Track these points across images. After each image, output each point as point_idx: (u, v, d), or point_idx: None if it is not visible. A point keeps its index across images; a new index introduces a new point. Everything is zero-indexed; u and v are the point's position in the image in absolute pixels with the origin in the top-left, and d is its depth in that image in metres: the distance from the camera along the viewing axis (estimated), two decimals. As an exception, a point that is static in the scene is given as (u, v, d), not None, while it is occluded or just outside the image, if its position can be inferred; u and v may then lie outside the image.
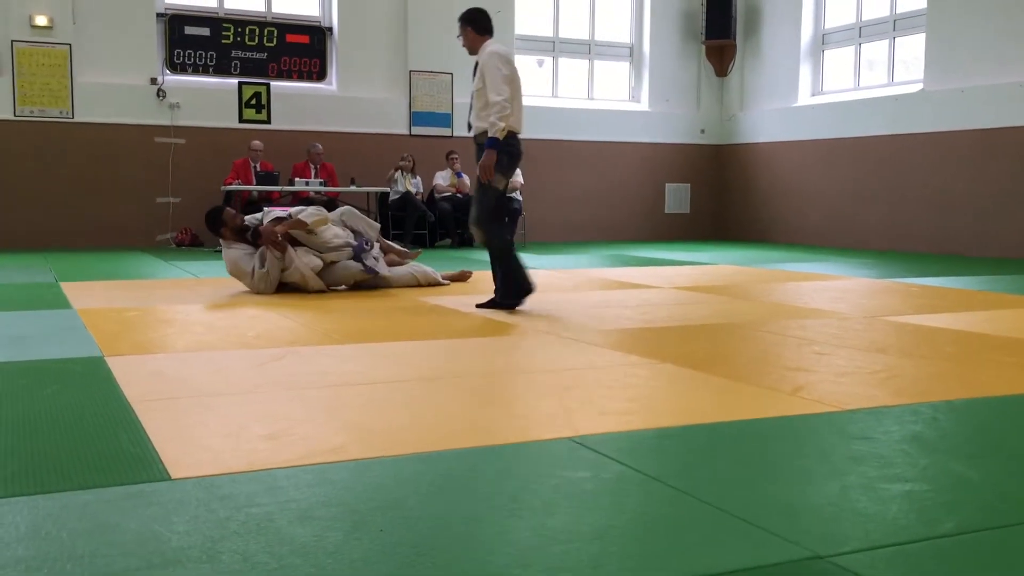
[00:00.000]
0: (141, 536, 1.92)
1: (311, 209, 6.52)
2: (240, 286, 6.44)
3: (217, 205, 7.06)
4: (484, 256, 10.13)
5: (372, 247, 6.65)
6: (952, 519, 2.06)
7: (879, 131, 11.71)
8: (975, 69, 10.54)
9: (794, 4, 12.98)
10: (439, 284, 6.88)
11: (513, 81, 5.59)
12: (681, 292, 6.66)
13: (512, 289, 5.59)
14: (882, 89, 12.01)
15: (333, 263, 6.40)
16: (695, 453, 2.62)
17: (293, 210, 6.52)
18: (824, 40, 12.93)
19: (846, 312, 5.54)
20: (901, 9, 11.87)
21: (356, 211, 6.88)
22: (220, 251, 10.30)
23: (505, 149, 5.55)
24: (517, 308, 5.56)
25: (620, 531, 2.00)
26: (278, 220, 6.29)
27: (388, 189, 11.55)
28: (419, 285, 6.80)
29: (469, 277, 7.27)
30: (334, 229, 6.50)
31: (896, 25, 11.92)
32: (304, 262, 6.23)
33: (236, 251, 6.31)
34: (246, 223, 6.34)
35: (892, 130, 11.56)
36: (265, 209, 6.58)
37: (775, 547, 1.89)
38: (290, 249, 6.23)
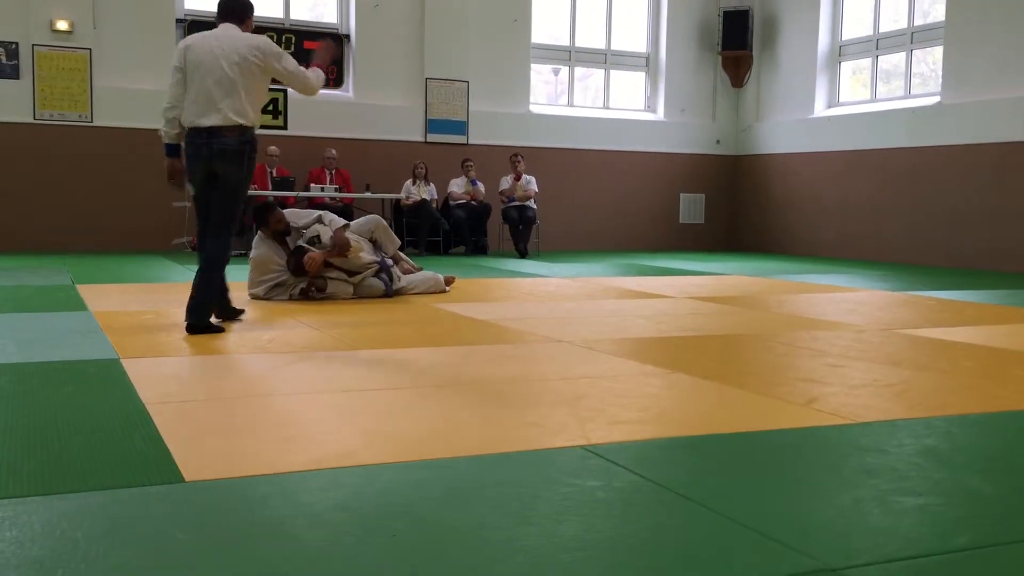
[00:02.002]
0: (155, 538, 1.93)
1: (355, 229, 6.58)
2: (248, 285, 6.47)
3: (270, 201, 7.14)
4: (496, 263, 10.20)
5: (391, 264, 6.71)
6: (966, 534, 2.05)
7: (896, 144, 11.67)
8: (993, 82, 10.49)
9: (811, 15, 12.97)
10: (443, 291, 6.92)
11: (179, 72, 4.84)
12: (695, 302, 6.65)
13: (207, 307, 4.84)
14: (899, 101, 11.97)
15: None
16: (708, 463, 2.62)
17: (351, 225, 6.61)
18: (841, 52, 12.91)
19: (861, 324, 5.52)
20: (919, 21, 11.84)
21: (386, 224, 6.91)
22: (234, 255, 10.36)
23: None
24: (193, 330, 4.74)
25: (631, 541, 1.99)
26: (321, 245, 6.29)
27: (402, 196, 11.58)
28: (430, 292, 6.85)
29: (452, 283, 7.36)
30: (362, 244, 6.54)
31: (914, 37, 11.88)
32: (339, 289, 6.30)
33: (268, 250, 6.36)
34: (289, 229, 6.37)
35: (909, 143, 11.51)
36: (320, 214, 6.57)
37: (787, 559, 1.89)
38: (328, 282, 6.28)
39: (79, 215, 10.93)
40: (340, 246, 6.23)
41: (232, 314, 5.16)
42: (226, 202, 4.85)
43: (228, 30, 4.93)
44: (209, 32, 4.95)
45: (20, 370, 3.70)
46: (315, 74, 5.04)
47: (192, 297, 4.79)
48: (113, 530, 1.97)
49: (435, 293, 6.85)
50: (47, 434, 2.75)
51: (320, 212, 6.61)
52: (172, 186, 5.06)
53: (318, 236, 6.32)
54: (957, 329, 5.38)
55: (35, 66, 10.69)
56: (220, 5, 5.03)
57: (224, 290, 5.06)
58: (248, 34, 4.96)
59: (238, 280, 6.04)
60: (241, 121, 4.77)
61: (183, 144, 4.87)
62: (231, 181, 4.81)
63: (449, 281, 7.36)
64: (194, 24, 11.24)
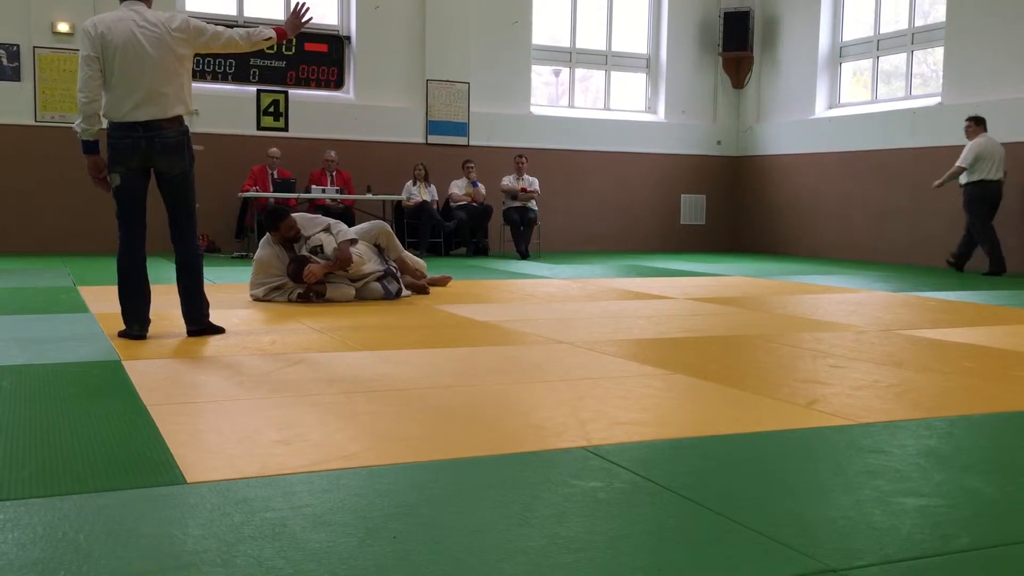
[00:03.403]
0: (157, 539, 1.94)
1: (359, 234, 6.58)
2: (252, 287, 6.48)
3: (284, 207, 7.13)
4: (497, 264, 10.20)
5: (395, 270, 6.71)
6: (967, 534, 2.05)
7: (896, 144, 11.67)
8: (994, 83, 10.49)
9: (812, 16, 12.97)
10: (423, 288, 6.89)
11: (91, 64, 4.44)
12: (696, 303, 6.65)
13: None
14: (900, 102, 11.98)
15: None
16: (709, 464, 2.62)
17: (356, 230, 6.60)
18: (841, 53, 12.91)
19: (862, 325, 5.52)
20: (919, 22, 11.84)
21: (390, 231, 6.89)
22: (236, 257, 10.38)
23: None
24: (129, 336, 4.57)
25: (632, 541, 2.00)
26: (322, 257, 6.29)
27: (403, 197, 11.59)
28: (421, 286, 6.86)
29: (448, 282, 7.43)
30: (369, 256, 6.53)
31: (914, 38, 11.89)
32: (338, 293, 6.30)
33: (272, 253, 6.37)
34: (299, 236, 6.38)
35: (910, 143, 11.52)
36: (331, 223, 6.58)
37: (789, 560, 1.89)
38: (327, 287, 6.29)
39: (80, 217, 10.93)
40: (342, 260, 6.22)
41: (144, 321, 4.66)
42: (182, 198, 4.62)
43: (137, 10, 4.47)
44: (120, 14, 4.47)
45: (22, 372, 3.71)
46: (254, 31, 4.69)
47: (184, 303, 4.71)
48: (115, 532, 1.98)
49: (423, 295, 6.81)
50: (48, 436, 2.75)
51: (331, 221, 6.61)
52: (97, 185, 4.61)
53: (321, 246, 6.33)
54: (958, 330, 5.38)
55: (36, 68, 10.70)
56: None
57: (147, 296, 4.65)
58: (163, 13, 4.55)
59: (239, 282, 6.03)
60: (180, 111, 4.50)
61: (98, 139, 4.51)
62: (179, 175, 4.56)
63: (445, 281, 7.38)
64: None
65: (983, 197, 9.68)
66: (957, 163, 9.80)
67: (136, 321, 4.57)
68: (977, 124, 9.85)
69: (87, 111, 4.44)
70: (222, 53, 4.68)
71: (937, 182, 10.08)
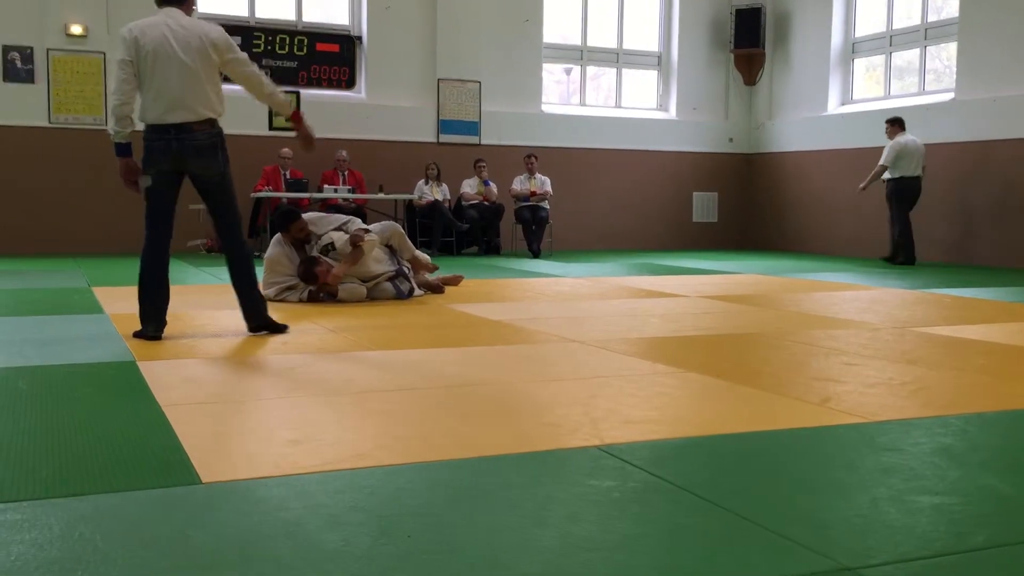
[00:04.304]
0: (173, 539, 1.95)
1: (375, 229, 6.61)
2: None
3: (294, 208, 7.16)
4: (509, 263, 10.20)
5: (407, 270, 6.73)
6: (982, 532, 2.05)
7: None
8: (1007, 78, 10.42)
9: (823, 13, 12.92)
10: (437, 287, 6.92)
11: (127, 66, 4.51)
12: (708, 301, 6.63)
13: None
14: (913, 98, 11.91)
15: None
16: (722, 463, 2.62)
17: (375, 227, 6.63)
18: (854, 48, 12.85)
19: (876, 323, 5.50)
20: (932, 17, 11.78)
21: (402, 231, 6.91)
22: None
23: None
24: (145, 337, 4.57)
25: (646, 541, 2.00)
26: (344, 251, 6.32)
27: (415, 196, 11.61)
28: (436, 285, 6.89)
29: (460, 281, 7.44)
30: (381, 256, 6.55)
31: (927, 33, 11.82)
32: (349, 293, 6.32)
33: (282, 253, 6.40)
34: (310, 237, 6.40)
35: (923, 139, 11.44)
36: (347, 219, 6.61)
37: (804, 559, 1.89)
38: (339, 287, 6.31)
39: (94, 218, 11.00)
40: (354, 238, 6.27)
41: (160, 322, 4.66)
42: (224, 200, 4.67)
43: (174, 16, 4.53)
44: (155, 19, 4.54)
45: (37, 373, 3.73)
46: (279, 89, 4.73)
47: (242, 302, 4.75)
48: (131, 532, 1.99)
49: (437, 294, 6.85)
50: (64, 437, 2.77)
51: (348, 218, 6.64)
52: (128, 187, 4.65)
53: (332, 243, 6.35)
54: (972, 327, 5.35)
55: (50, 70, 10.76)
56: None
57: (166, 297, 4.66)
58: (199, 21, 4.61)
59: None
60: (210, 114, 4.53)
61: (131, 141, 4.58)
62: (216, 177, 4.60)
63: (457, 280, 7.39)
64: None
65: (903, 192, 10.46)
66: (880, 163, 10.55)
67: (152, 321, 4.59)
68: (896, 125, 10.64)
69: (119, 113, 4.50)
70: (240, 83, 4.64)
71: (862, 184, 10.75)
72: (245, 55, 4.66)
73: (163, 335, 4.63)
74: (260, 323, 4.76)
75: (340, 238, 6.35)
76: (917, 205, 10.57)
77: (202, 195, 4.70)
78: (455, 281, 7.39)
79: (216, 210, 4.72)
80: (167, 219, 4.64)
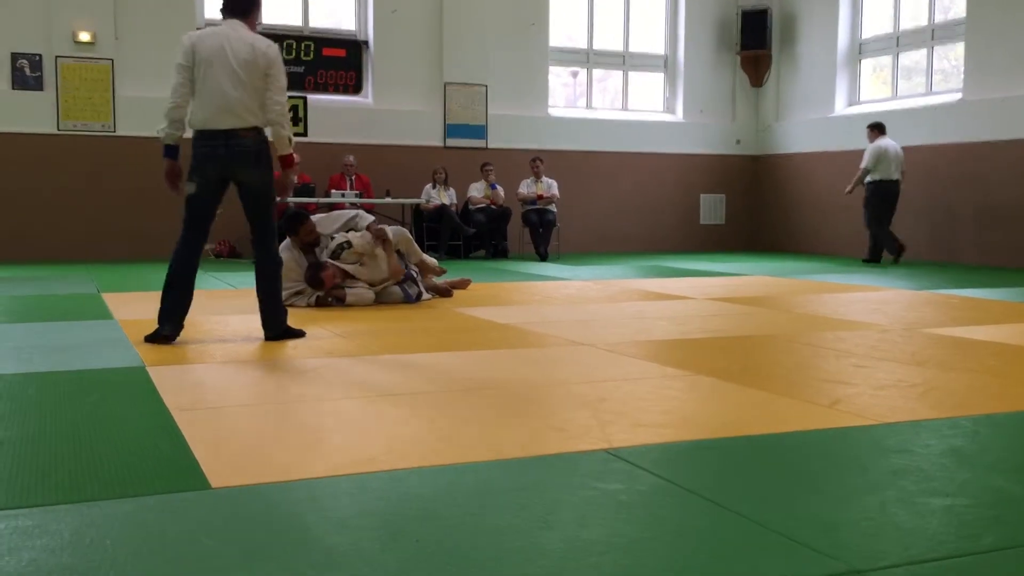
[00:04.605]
0: (183, 544, 1.95)
1: (390, 230, 6.65)
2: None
3: (303, 211, 7.19)
4: (517, 267, 10.20)
5: (415, 274, 6.75)
6: (993, 534, 2.04)
7: (917, 141, 11.57)
8: (1015, 78, 10.39)
9: (830, 13, 12.90)
10: (446, 291, 6.93)
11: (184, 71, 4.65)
12: (717, 303, 6.62)
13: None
14: (920, 99, 11.88)
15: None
16: (731, 466, 2.61)
17: (391, 230, 6.68)
18: (861, 49, 12.83)
19: (885, 324, 5.48)
20: (939, 17, 11.75)
21: (409, 236, 6.93)
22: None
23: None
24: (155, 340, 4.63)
25: (655, 543, 1.99)
26: (334, 263, 6.34)
27: (422, 200, 11.62)
28: (444, 288, 6.91)
29: (468, 285, 7.46)
30: (378, 268, 6.57)
31: (935, 34, 11.79)
32: (357, 297, 6.33)
33: (291, 258, 6.42)
34: (319, 240, 6.43)
35: (930, 140, 11.42)
36: (356, 213, 6.64)
37: (813, 561, 1.88)
38: (347, 292, 6.33)
39: (103, 224, 11.04)
40: (377, 234, 6.33)
41: (177, 323, 4.71)
42: (262, 207, 4.76)
43: (235, 27, 4.69)
44: (216, 28, 4.74)
45: (47, 379, 3.75)
46: (290, 130, 4.73)
47: (262, 310, 4.81)
48: (141, 537, 2.00)
49: (446, 297, 6.86)
50: (75, 442, 2.78)
51: (354, 212, 6.66)
52: (169, 188, 4.76)
53: (348, 242, 6.37)
54: (981, 328, 5.33)
55: (58, 77, 10.81)
56: (225, 0, 4.78)
57: (188, 301, 4.72)
58: (254, 34, 4.73)
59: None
60: (256, 122, 4.64)
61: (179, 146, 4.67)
62: (256, 183, 4.69)
63: (465, 284, 7.40)
64: (214, 33, 11.36)
65: (881, 195, 10.73)
66: (861, 166, 10.79)
67: (169, 322, 4.64)
68: (876, 130, 10.91)
69: (171, 116, 4.64)
70: (268, 103, 4.69)
71: (848, 188, 10.99)
72: (284, 83, 4.72)
73: (176, 340, 4.65)
74: (277, 333, 4.81)
75: (356, 236, 6.37)
76: (923, 208, 10.81)
77: (242, 200, 4.77)
78: (463, 285, 7.40)
79: (253, 218, 4.79)
80: (204, 226, 4.74)
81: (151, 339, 4.62)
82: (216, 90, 4.57)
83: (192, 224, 4.72)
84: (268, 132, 4.69)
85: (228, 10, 4.76)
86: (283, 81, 4.70)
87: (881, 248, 10.87)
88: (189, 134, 4.67)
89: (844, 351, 4.49)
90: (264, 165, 4.69)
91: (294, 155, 4.79)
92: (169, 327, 4.64)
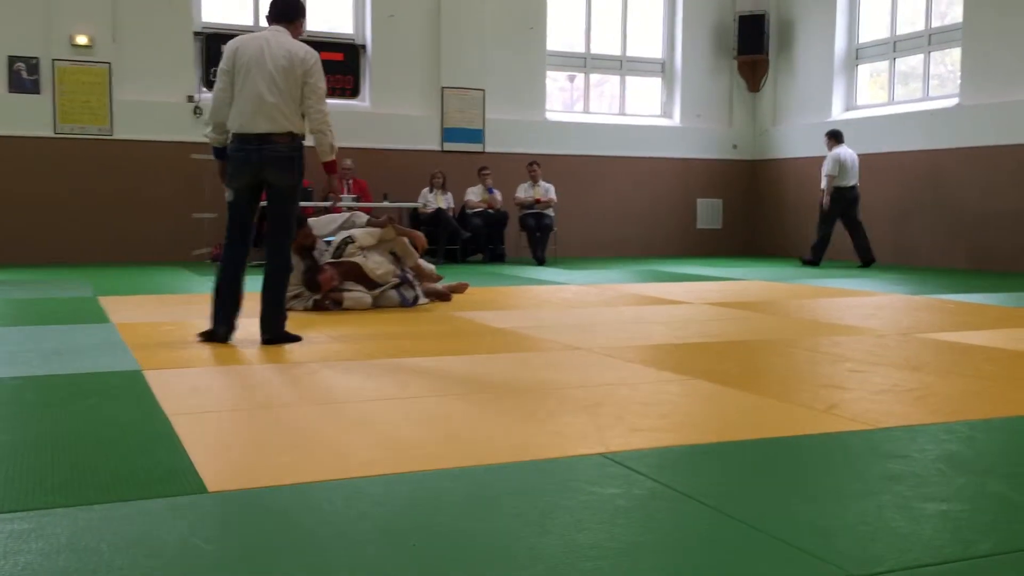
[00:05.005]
0: (179, 548, 1.95)
1: (375, 250, 6.64)
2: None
3: (300, 216, 7.22)
4: (514, 271, 10.21)
5: (412, 277, 6.75)
6: (989, 540, 2.04)
7: (914, 147, 11.60)
8: (1012, 83, 10.42)
9: (827, 18, 12.93)
10: (444, 295, 6.94)
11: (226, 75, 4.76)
12: (713, 308, 6.63)
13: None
14: (917, 104, 11.91)
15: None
16: (728, 470, 2.62)
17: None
18: (858, 54, 12.86)
19: (881, 329, 5.49)
20: (936, 23, 11.78)
21: (406, 240, 6.94)
22: (254, 266, 10.44)
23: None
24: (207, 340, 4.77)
25: (651, 548, 1.99)
26: (336, 261, 6.36)
27: (419, 204, 11.63)
28: (442, 292, 6.92)
29: (465, 289, 7.46)
30: (382, 263, 6.57)
31: (931, 39, 11.82)
32: (355, 301, 6.33)
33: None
34: (315, 243, 6.44)
35: (927, 145, 11.45)
36: (348, 215, 6.67)
37: (809, 566, 1.88)
38: (344, 295, 6.33)
39: (100, 227, 11.03)
40: (383, 223, 6.41)
41: (230, 325, 4.82)
42: (282, 210, 4.82)
43: (277, 33, 4.79)
44: (259, 34, 4.84)
45: (43, 382, 3.74)
46: (332, 137, 4.81)
47: (263, 311, 4.81)
48: (137, 541, 1.99)
49: (444, 302, 6.87)
50: (71, 446, 2.77)
51: (349, 213, 6.69)
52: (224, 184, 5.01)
53: (350, 237, 6.38)
54: (978, 333, 5.34)
55: (55, 80, 10.80)
56: (271, 6, 4.91)
57: (238, 303, 4.82)
58: (295, 41, 4.81)
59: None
60: (291, 128, 4.71)
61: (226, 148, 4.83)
62: (285, 188, 4.78)
63: (463, 288, 7.41)
64: (212, 37, 11.35)
65: (838, 201, 11.14)
66: (825, 174, 11.20)
67: (222, 324, 4.78)
68: (834, 138, 11.35)
69: (213, 121, 4.82)
70: (304, 109, 4.79)
71: (824, 200, 11.23)
72: (324, 90, 4.79)
73: (231, 339, 4.77)
74: (273, 336, 4.81)
75: (357, 232, 6.40)
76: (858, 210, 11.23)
77: (268, 200, 4.89)
78: (461, 289, 7.41)
79: (274, 218, 4.87)
80: (245, 232, 4.87)
81: (204, 337, 4.76)
82: (253, 95, 4.66)
83: (231, 235, 4.85)
84: (309, 139, 4.80)
85: (274, 16, 4.87)
86: (323, 88, 4.79)
87: (823, 252, 11.33)
88: None
89: (840, 356, 4.49)
90: (295, 170, 4.78)
91: (336, 161, 4.93)
92: (223, 329, 4.78)
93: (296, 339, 4.86)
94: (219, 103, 4.75)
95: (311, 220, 6.60)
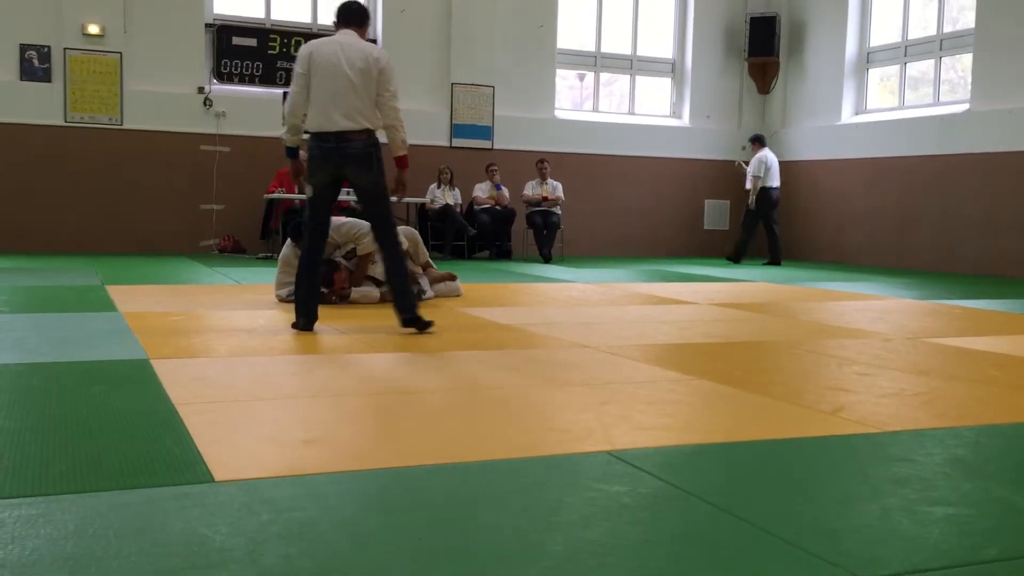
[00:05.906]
0: (185, 537, 1.96)
1: (400, 231, 6.66)
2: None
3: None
4: (520, 268, 10.20)
5: (421, 274, 6.77)
6: (995, 545, 2.04)
7: (924, 151, 11.58)
8: (1023, 89, 10.38)
9: (838, 22, 12.90)
10: (455, 291, 6.99)
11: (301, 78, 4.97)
12: (720, 309, 6.62)
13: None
14: (928, 108, 11.88)
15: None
16: (734, 471, 2.62)
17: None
18: (869, 58, 12.83)
19: (888, 333, 5.48)
20: (948, 28, 11.75)
21: (418, 237, 6.95)
22: (261, 258, 10.46)
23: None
24: (299, 329, 4.97)
25: (657, 546, 2.00)
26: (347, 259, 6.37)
27: (427, 200, 11.63)
28: (448, 296, 6.93)
29: (455, 279, 7.45)
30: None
31: (943, 44, 11.79)
32: (362, 295, 6.34)
33: (294, 254, 6.44)
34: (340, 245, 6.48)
35: (938, 150, 11.42)
36: (345, 220, 6.67)
37: (815, 568, 1.88)
38: (352, 289, 6.35)
39: (109, 217, 11.06)
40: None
41: (311, 316, 5.03)
42: (379, 209, 5.01)
43: (349, 37, 5.00)
44: (331, 38, 5.05)
45: (52, 369, 3.75)
46: (404, 133, 5.01)
47: (394, 298, 5.03)
48: (144, 529, 2.00)
49: (453, 297, 6.88)
50: (78, 433, 2.78)
51: (345, 219, 6.67)
52: (297, 183, 5.30)
53: (355, 249, 6.41)
54: (985, 338, 5.33)
55: (67, 70, 10.82)
56: (339, 12, 5.14)
57: (317, 296, 5.12)
58: (367, 43, 5.05)
59: (266, 283, 6.06)
60: (367, 125, 4.90)
61: (302, 148, 5.05)
62: (368, 184, 4.95)
63: (452, 277, 7.44)
64: (223, 29, 11.37)
65: (763, 201, 11.88)
66: (751, 175, 11.87)
67: (303, 316, 4.99)
68: (758, 143, 12.08)
69: (289, 122, 5.01)
70: (378, 106, 5.00)
71: (751, 200, 11.93)
72: (396, 88, 5.00)
73: (314, 328, 4.96)
74: (409, 316, 4.98)
75: (363, 237, 6.42)
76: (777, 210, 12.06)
77: (359, 199, 5.13)
78: (451, 277, 7.42)
79: (372, 218, 5.10)
80: (323, 229, 5.12)
81: (294, 327, 4.97)
82: (331, 95, 4.85)
83: (310, 229, 5.06)
84: (381, 135, 4.96)
85: (343, 21, 5.09)
86: (395, 86, 4.98)
87: (744, 250, 12.12)
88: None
89: (847, 359, 4.49)
90: (375, 165, 4.95)
91: (405, 158, 5.09)
92: (304, 320, 4.98)
93: (429, 324, 4.99)
94: (296, 105, 4.93)
95: (335, 220, 6.64)
